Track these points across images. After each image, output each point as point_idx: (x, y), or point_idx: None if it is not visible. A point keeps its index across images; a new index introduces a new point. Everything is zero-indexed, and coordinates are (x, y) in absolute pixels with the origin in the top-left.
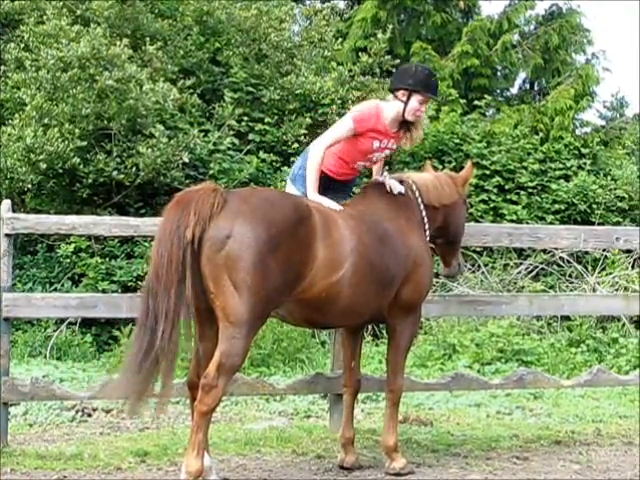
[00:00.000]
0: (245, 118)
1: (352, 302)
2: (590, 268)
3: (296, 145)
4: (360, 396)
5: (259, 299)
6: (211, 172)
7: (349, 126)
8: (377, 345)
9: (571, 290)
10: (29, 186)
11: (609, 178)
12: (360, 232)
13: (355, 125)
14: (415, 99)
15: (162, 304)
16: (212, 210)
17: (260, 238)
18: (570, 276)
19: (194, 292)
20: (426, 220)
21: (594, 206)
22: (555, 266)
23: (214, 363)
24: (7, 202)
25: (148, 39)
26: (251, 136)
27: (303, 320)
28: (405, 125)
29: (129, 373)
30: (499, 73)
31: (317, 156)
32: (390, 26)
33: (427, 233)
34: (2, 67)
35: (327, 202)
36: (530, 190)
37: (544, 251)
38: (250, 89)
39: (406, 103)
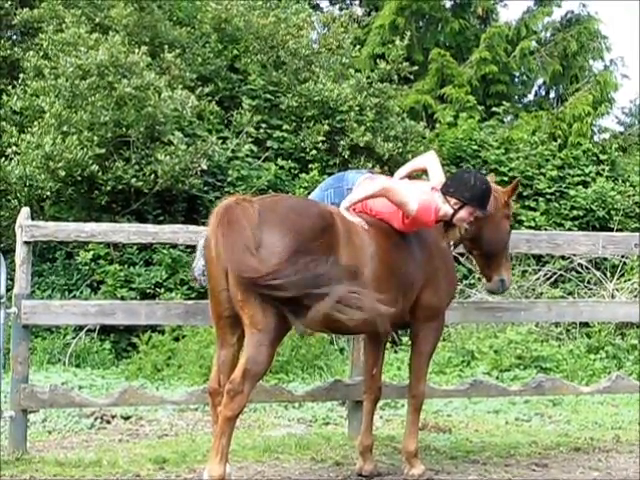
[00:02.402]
0: (263, 125)
1: None
2: (609, 274)
3: (314, 152)
4: (379, 403)
5: (289, 306)
6: (229, 179)
7: (411, 208)
8: (396, 352)
9: (590, 296)
10: (48, 193)
11: (627, 184)
12: (378, 238)
13: (416, 212)
14: (466, 210)
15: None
16: (251, 221)
17: (289, 246)
18: (589, 282)
19: (218, 299)
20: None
21: (612, 212)
22: (574, 272)
23: (240, 369)
24: (26, 210)
25: (166, 46)
26: (269, 143)
27: (327, 327)
28: (445, 224)
29: None
30: (517, 79)
31: (371, 192)
32: (408, 33)
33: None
34: (21, 75)
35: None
36: (548, 196)
37: (562, 257)
38: (268, 96)
39: (457, 211)
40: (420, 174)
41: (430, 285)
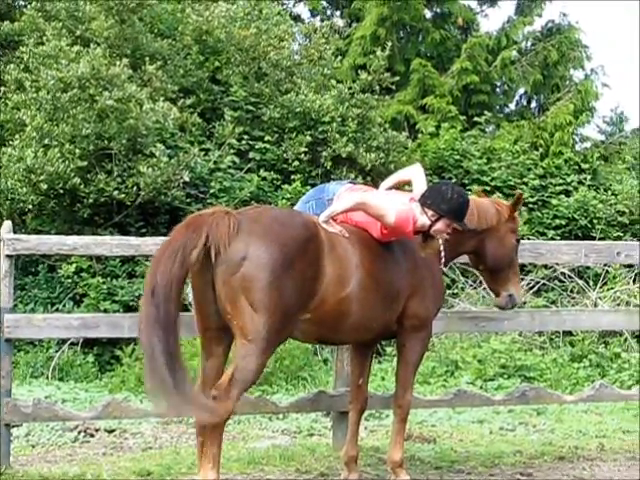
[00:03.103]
0: (245, 137)
1: (361, 317)
2: (591, 283)
3: (297, 163)
4: (364, 414)
5: (277, 318)
6: (212, 191)
7: (389, 220)
8: (380, 362)
9: (573, 305)
10: (30, 207)
11: (609, 193)
12: (362, 247)
13: (394, 224)
14: (443, 223)
15: (156, 322)
16: (229, 233)
17: (275, 258)
18: (572, 291)
19: (204, 312)
20: (441, 240)
21: (595, 221)
22: (556, 281)
23: (227, 376)
24: (8, 223)
25: (148, 59)
26: (251, 154)
27: (314, 337)
28: (423, 236)
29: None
30: (498, 89)
31: (350, 205)
32: (389, 43)
33: (442, 251)
34: (2, 88)
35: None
36: (531, 206)
37: (545, 266)
38: (250, 107)
39: (433, 223)
40: (403, 186)
41: (417, 294)
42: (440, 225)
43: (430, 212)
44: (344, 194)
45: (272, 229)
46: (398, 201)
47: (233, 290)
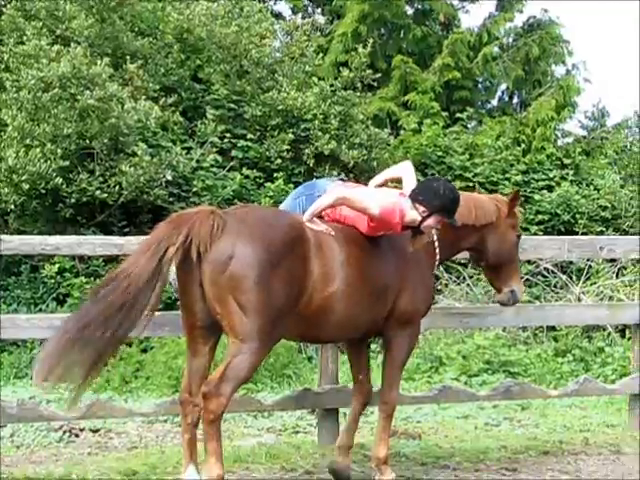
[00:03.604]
0: (227, 135)
1: (346, 315)
2: (575, 278)
3: (279, 161)
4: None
5: (266, 316)
6: (194, 189)
7: (373, 212)
8: None
9: (556, 300)
10: (12, 207)
11: (592, 188)
12: (349, 245)
13: (379, 216)
14: (434, 218)
15: (123, 315)
16: (212, 232)
17: (261, 257)
18: (555, 286)
19: (190, 310)
20: (435, 236)
21: (577, 216)
22: (540, 277)
23: (217, 372)
24: None
25: (128, 57)
26: (234, 153)
27: (300, 336)
28: (413, 231)
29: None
30: (480, 85)
31: (331, 201)
32: (370, 40)
33: (437, 248)
34: None
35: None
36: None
37: (529, 262)
38: (232, 106)
39: (424, 219)
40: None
41: (405, 291)
42: (431, 221)
43: (422, 208)
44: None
45: (259, 229)
46: (384, 195)
47: (221, 289)
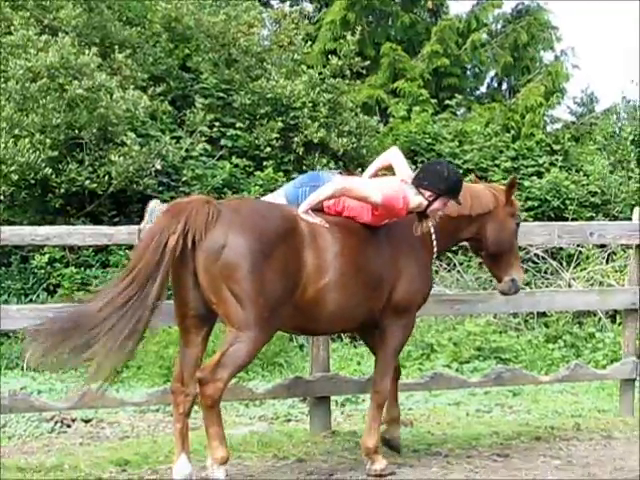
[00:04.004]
0: (217, 124)
1: (340, 306)
2: (565, 264)
3: (268, 149)
4: (339, 398)
5: (260, 305)
6: (184, 179)
7: (375, 200)
8: (355, 347)
9: (547, 286)
10: (1, 198)
11: (581, 174)
12: (343, 236)
13: (382, 204)
14: (440, 201)
15: (121, 301)
16: (207, 221)
17: (253, 247)
18: (545, 272)
19: (182, 300)
20: (432, 228)
21: (567, 202)
22: (530, 263)
23: (212, 360)
24: None
25: (117, 47)
26: (223, 141)
27: (295, 327)
28: (419, 215)
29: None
30: (469, 72)
31: (331, 192)
32: (359, 28)
33: (434, 239)
34: None
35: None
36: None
37: (519, 248)
38: (221, 94)
39: (431, 203)
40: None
41: (401, 281)
42: (437, 204)
43: (428, 193)
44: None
45: (251, 220)
46: (385, 183)
47: (214, 278)
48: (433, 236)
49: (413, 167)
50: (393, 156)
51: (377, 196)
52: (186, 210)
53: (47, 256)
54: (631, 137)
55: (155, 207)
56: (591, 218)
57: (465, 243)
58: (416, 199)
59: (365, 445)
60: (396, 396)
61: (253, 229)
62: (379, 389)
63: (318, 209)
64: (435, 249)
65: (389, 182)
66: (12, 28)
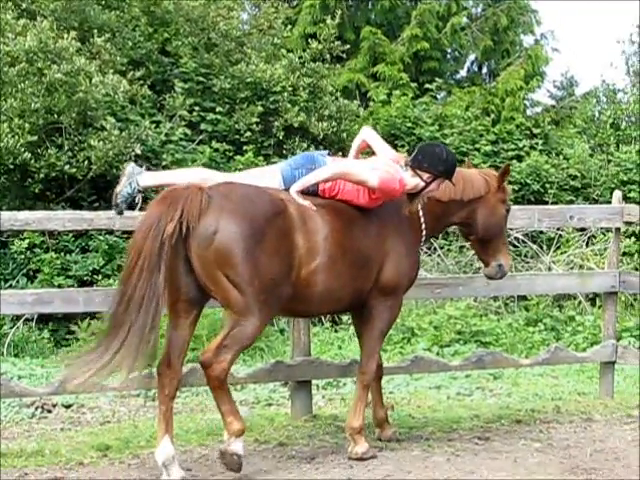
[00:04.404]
0: (196, 108)
1: (330, 287)
2: (545, 247)
3: (249, 134)
4: (320, 382)
5: (257, 288)
6: (164, 163)
7: (372, 184)
8: (336, 331)
9: (527, 270)
10: None
11: (561, 157)
12: (332, 218)
13: (379, 187)
14: (437, 182)
15: (137, 295)
16: (200, 208)
17: (245, 232)
18: (525, 256)
19: (174, 285)
20: (421, 212)
21: (547, 185)
22: (510, 246)
23: (214, 342)
24: None
25: (96, 31)
26: (203, 126)
27: (287, 310)
28: (409, 196)
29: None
30: (449, 56)
31: (328, 175)
32: (339, 11)
33: (422, 223)
34: None
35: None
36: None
37: None
38: (200, 79)
39: (428, 184)
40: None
41: (388, 263)
42: (434, 185)
43: (426, 175)
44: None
45: (242, 205)
46: (379, 164)
47: (208, 264)
48: (422, 219)
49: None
50: (368, 137)
51: (374, 180)
52: (182, 197)
53: (27, 241)
54: (611, 120)
55: (133, 170)
56: (571, 201)
57: (451, 228)
58: (412, 181)
59: (350, 425)
60: (381, 396)
61: (244, 215)
62: (365, 370)
63: (311, 192)
64: (424, 232)
65: (381, 164)
66: None
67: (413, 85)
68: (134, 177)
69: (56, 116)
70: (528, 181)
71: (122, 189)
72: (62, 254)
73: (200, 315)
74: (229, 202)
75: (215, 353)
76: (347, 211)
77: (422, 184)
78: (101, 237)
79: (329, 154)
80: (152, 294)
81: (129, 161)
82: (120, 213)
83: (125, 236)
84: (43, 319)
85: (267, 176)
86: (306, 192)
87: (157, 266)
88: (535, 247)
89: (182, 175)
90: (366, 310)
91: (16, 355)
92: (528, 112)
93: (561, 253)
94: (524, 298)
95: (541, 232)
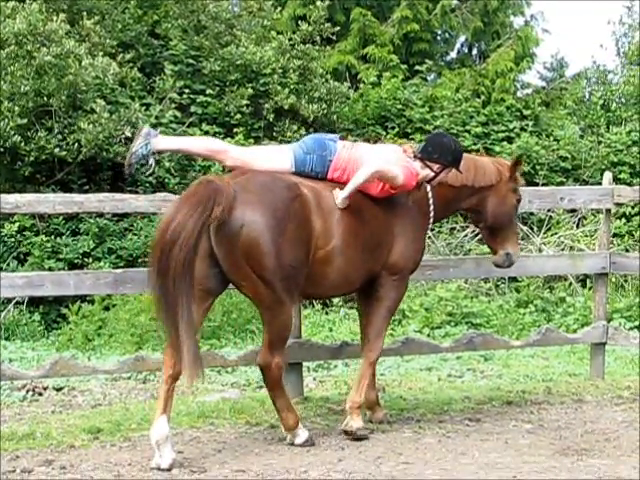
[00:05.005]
0: (186, 90)
1: (342, 270)
2: (535, 229)
3: (239, 116)
4: (311, 364)
5: (282, 278)
6: None
7: (398, 182)
8: (327, 314)
9: None
10: None
11: (551, 139)
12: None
13: (403, 182)
14: (446, 172)
15: (178, 283)
16: (232, 201)
17: (269, 223)
18: None
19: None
20: (430, 194)
21: (537, 167)
22: None
23: (265, 345)
24: None
25: (85, 14)
26: (193, 108)
27: (301, 293)
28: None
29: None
30: (439, 37)
31: (367, 176)
32: None
33: (431, 207)
34: None
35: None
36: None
37: None
38: (190, 61)
39: (437, 174)
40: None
41: (397, 245)
42: (442, 174)
43: (436, 165)
44: (342, 152)
45: (263, 195)
46: (399, 159)
47: (236, 259)
48: (430, 201)
49: (384, 134)
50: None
51: (401, 177)
52: (221, 187)
53: (17, 224)
54: (601, 102)
55: (149, 132)
56: (561, 183)
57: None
58: (423, 172)
59: (352, 399)
60: (374, 379)
61: (267, 206)
62: (373, 347)
63: (321, 178)
64: (432, 215)
65: (398, 157)
66: None
67: (403, 67)
68: (150, 139)
69: (46, 99)
70: None
71: (138, 149)
72: (52, 237)
73: (213, 304)
74: (250, 195)
75: (269, 355)
76: (358, 196)
77: (432, 174)
78: (91, 220)
79: (341, 138)
80: (191, 274)
81: (119, 144)
82: (131, 174)
83: (115, 219)
84: (34, 302)
85: (279, 154)
86: (315, 177)
87: (195, 246)
88: (526, 229)
89: (197, 143)
90: (373, 289)
91: (7, 338)
92: (518, 94)
93: (552, 235)
94: (515, 280)
95: (531, 214)
